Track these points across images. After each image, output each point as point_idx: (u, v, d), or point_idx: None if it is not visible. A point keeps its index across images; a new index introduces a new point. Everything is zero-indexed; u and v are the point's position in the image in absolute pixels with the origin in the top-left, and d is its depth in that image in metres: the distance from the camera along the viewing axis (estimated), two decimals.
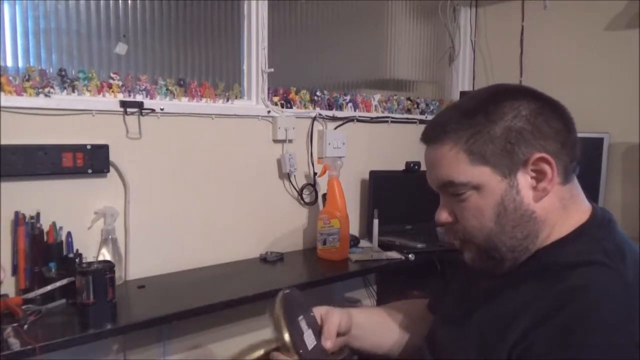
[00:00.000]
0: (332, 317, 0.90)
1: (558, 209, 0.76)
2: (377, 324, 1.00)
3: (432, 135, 0.78)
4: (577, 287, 0.67)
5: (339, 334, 0.91)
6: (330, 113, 2.09)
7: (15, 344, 1.08)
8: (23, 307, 1.25)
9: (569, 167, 0.75)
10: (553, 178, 0.73)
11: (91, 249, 1.51)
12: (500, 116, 0.73)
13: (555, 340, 0.64)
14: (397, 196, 2.16)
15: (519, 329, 0.69)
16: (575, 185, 0.78)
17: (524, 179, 0.73)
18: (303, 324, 0.85)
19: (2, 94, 1.36)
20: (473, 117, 0.74)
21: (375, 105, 2.28)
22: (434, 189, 0.81)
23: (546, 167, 0.72)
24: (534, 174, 0.73)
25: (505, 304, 0.75)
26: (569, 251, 0.73)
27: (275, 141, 1.92)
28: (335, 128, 2.11)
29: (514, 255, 0.76)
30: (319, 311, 0.92)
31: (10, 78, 1.39)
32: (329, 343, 0.87)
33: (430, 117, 2.47)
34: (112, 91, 1.56)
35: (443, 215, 0.80)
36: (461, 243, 0.81)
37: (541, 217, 0.75)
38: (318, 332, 0.88)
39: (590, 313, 0.64)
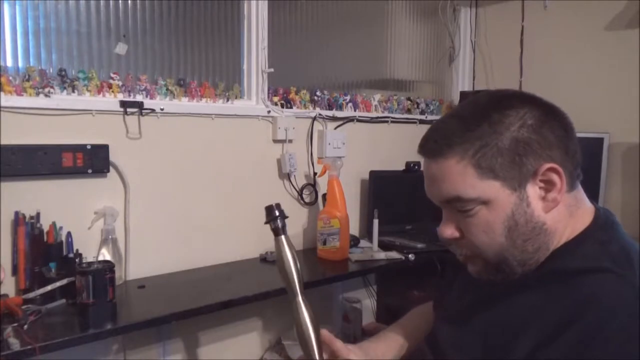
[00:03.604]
0: None
1: (566, 217, 0.74)
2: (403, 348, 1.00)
3: (435, 149, 0.74)
4: (587, 299, 0.66)
5: None
6: (330, 113, 2.09)
7: (15, 344, 1.08)
8: (23, 307, 1.25)
9: (574, 174, 0.74)
10: (562, 187, 0.71)
11: (91, 249, 1.51)
12: (506, 126, 0.71)
13: (570, 355, 0.64)
14: (397, 196, 2.16)
15: (529, 342, 0.68)
16: (579, 190, 0.77)
17: (533, 191, 0.72)
18: None
19: (2, 94, 1.36)
20: (477, 128, 0.71)
21: (375, 105, 2.28)
22: (437, 203, 0.78)
23: (555, 177, 0.71)
24: (542, 184, 0.72)
25: (511, 311, 0.74)
26: (575, 257, 0.72)
27: (275, 141, 1.92)
28: (335, 128, 2.11)
29: (524, 269, 0.75)
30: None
31: (10, 78, 1.39)
32: None
33: (430, 117, 2.47)
34: (112, 91, 1.56)
35: (448, 231, 0.77)
36: (466, 258, 0.79)
37: (551, 228, 0.73)
38: None
39: (603, 326, 0.63)
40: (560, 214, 0.74)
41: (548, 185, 0.72)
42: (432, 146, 0.75)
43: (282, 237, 0.87)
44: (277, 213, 0.87)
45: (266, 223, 0.88)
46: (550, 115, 0.73)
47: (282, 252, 0.87)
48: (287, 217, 0.87)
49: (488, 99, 0.76)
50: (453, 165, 0.72)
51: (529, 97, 0.75)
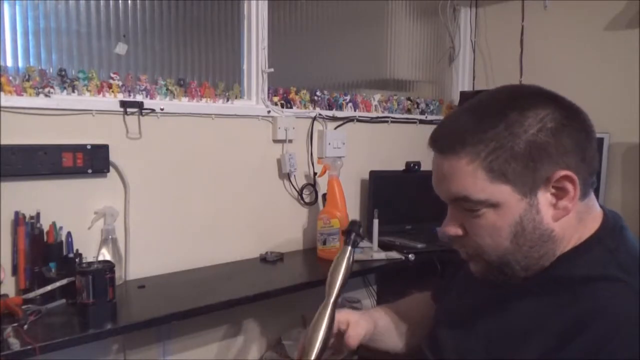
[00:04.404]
0: (357, 329, 0.90)
1: (575, 224, 0.72)
2: (395, 326, 0.99)
3: (447, 145, 0.71)
4: (594, 309, 0.65)
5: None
6: (330, 113, 2.09)
7: (15, 344, 1.08)
8: (23, 307, 1.25)
9: (588, 181, 0.71)
10: (575, 196, 0.69)
11: (91, 249, 1.51)
12: (524, 128, 0.67)
13: None
14: (397, 196, 2.16)
15: (534, 350, 0.67)
16: (591, 197, 0.74)
17: (544, 197, 0.69)
18: None
19: (2, 94, 1.36)
20: (493, 128, 0.68)
21: (375, 105, 2.27)
22: (444, 199, 0.76)
23: (569, 185, 0.68)
24: (554, 191, 0.69)
25: (515, 317, 0.73)
26: (581, 264, 0.70)
27: (275, 141, 1.92)
28: (335, 128, 2.11)
29: (527, 274, 0.73)
30: (345, 316, 0.91)
31: (10, 78, 1.39)
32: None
33: (430, 117, 2.47)
34: (112, 91, 1.56)
35: (452, 229, 0.75)
36: (468, 256, 0.77)
37: (559, 235, 0.71)
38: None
39: (609, 336, 0.62)
40: (570, 221, 0.71)
41: (560, 193, 0.69)
42: (444, 142, 0.72)
43: (351, 248, 0.91)
44: (358, 231, 0.92)
45: (344, 233, 0.92)
46: (571, 119, 0.70)
47: (343, 261, 0.90)
48: (364, 238, 0.93)
49: (507, 96, 0.72)
50: (464, 166, 0.70)
51: (551, 96, 0.72)
